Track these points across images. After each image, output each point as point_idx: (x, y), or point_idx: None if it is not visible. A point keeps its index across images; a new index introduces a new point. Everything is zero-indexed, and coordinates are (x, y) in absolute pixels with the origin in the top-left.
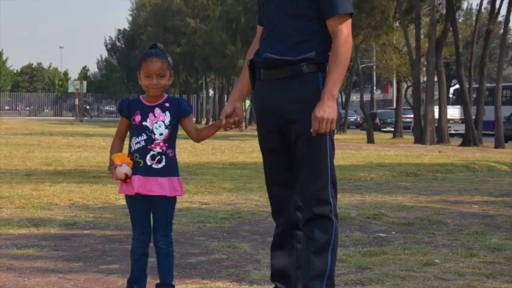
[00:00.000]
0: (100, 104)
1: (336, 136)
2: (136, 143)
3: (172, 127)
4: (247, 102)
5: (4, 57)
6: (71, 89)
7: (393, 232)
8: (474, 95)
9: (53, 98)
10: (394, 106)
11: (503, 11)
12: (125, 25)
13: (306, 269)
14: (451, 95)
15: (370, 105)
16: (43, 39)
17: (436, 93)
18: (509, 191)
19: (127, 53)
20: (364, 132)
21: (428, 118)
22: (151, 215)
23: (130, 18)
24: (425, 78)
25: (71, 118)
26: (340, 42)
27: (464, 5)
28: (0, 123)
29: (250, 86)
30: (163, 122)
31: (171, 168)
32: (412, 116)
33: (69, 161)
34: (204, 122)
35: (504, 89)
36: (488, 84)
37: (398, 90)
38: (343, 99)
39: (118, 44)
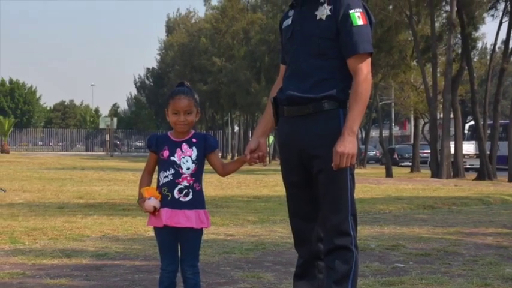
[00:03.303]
0: (129, 139)
1: (356, 170)
2: (164, 177)
3: (199, 162)
4: (271, 138)
5: (38, 95)
6: (101, 125)
7: (411, 262)
8: (488, 131)
9: (84, 134)
10: (412, 141)
11: None
12: (153, 64)
13: None
14: (466, 131)
15: (389, 141)
16: (75, 78)
17: (452, 129)
18: None
19: (155, 90)
20: (383, 166)
21: (444, 153)
22: (179, 246)
23: (158, 57)
24: (441, 115)
25: (102, 153)
26: (360, 80)
27: (479, 45)
28: (34, 158)
29: (273, 123)
30: (190, 157)
31: (198, 201)
32: (429, 151)
33: (100, 194)
34: (229, 157)
35: None
36: (502, 121)
37: (416, 126)
38: (363, 135)
39: (147, 82)
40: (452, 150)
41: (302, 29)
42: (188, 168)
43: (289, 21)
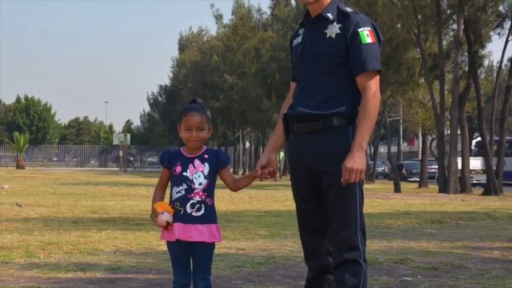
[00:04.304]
0: (143, 155)
1: (365, 186)
2: (177, 192)
3: (211, 177)
4: (281, 154)
5: (53, 112)
6: (115, 142)
7: (419, 276)
8: (495, 147)
9: (98, 150)
10: (420, 157)
11: None
12: (166, 81)
13: None
14: (473, 147)
15: (397, 157)
16: (89, 95)
17: (459, 145)
18: None
19: (168, 107)
20: (392, 182)
21: (451, 169)
22: (191, 260)
23: (171, 74)
24: (449, 131)
25: (116, 169)
26: (369, 97)
27: (486, 63)
28: (49, 173)
29: (284, 139)
30: (202, 172)
31: (210, 216)
32: (436, 166)
33: (113, 209)
34: (240, 172)
35: None
36: (508, 137)
37: (424, 142)
38: (372, 151)
39: (160, 99)
40: (460, 166)
41: (312, 47)
42: (200, 184)
43: (299, 39)
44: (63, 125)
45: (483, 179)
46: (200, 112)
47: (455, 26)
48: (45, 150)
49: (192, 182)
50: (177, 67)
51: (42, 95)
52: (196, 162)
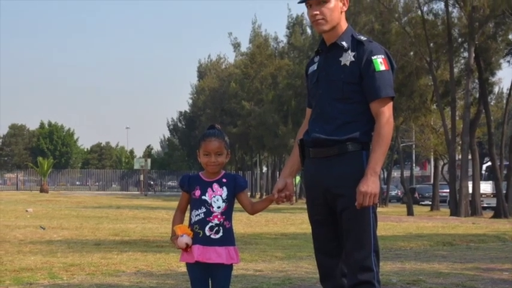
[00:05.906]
0: (163, 179)
1: (379, 209)
2: (196, 215)
3: (229, 201)
4: (297, 178)
5: (75, 137)
6: (136, 166)
7: None
8: (505, 172)
9: (120, 174)
10: (432, 181)
11: None
12: (185, 107)
13: None
14: (483, 172)
15: (410, 181)
16: (111, 121)
17: (470, 169)
18: None
19: (187, 133)
20: (404, 205)
21: (462, 192)
22: (210, 281)
23: (190, 101)
24: (460, 156)
25: (137, 193)
26: (382, 123)
27: (496, 89)
28: (72, 197)
29: (300, 163)
30: (220, 196)
31: (228, 238)
32: (448, 190)
33: (134, 231)
34: (258, 196)
35: None
36: None
37: (436, 167)
38: (385, 175)
39: (179, 125)
40: (470, 190)
41: (327, 74)
42: (219, 207)
43: (314, 66)
44: (85, 150)
45: (493, 202)
46: (218, 137)
47: (466, 54)
48: (68, 175)
49: (210, 205)
50: (196, 94)
51: (66, 121)
52: (215, 186)
